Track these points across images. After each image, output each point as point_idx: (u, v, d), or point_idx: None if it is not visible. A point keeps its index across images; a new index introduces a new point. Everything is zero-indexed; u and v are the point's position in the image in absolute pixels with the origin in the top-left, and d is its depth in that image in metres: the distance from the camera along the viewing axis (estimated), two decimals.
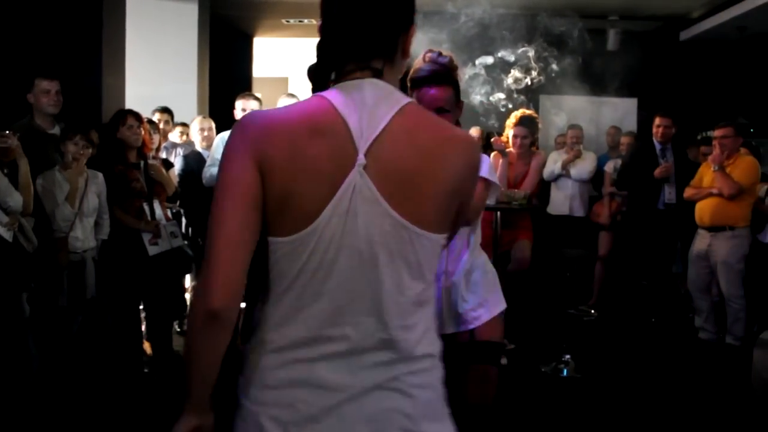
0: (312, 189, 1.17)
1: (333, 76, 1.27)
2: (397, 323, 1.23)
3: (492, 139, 5.10)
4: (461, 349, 2.34)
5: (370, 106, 1.20)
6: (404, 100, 1.24)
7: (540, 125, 5.21)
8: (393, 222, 1.19)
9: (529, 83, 4.63)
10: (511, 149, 5.08)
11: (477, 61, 4.47)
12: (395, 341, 1.23)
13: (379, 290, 1.21)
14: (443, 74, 2.34)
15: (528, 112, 5.09)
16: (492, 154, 5.24)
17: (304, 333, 1.22)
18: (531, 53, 4.57)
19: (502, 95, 4.63)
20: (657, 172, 5.63)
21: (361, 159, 1.17)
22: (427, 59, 2.39)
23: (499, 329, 2.47)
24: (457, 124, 2.45)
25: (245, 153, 1.19)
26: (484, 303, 2.46)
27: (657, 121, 5.80)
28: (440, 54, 2.39)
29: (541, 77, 4.69)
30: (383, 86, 1.24)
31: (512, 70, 4.57)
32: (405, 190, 1.19)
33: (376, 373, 1.23)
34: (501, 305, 2.50)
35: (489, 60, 4.49)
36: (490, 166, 2.50)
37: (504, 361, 4.81)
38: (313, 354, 1.22)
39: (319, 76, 1.27)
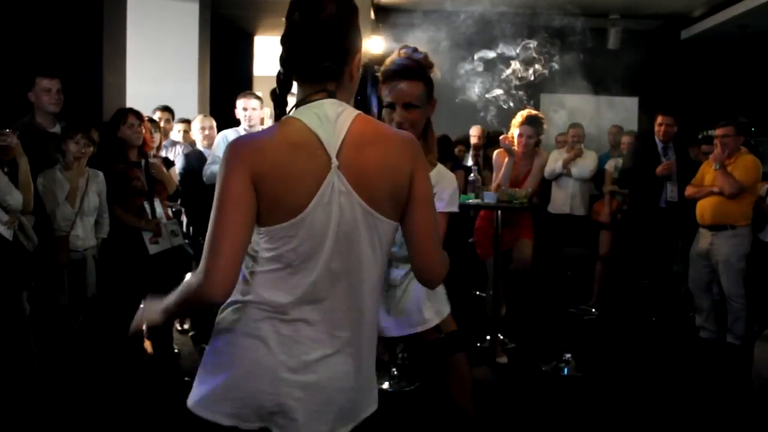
0: (299, 187, 1.46)
1: (295, 98, 1.59)
2: (365, 289, 1.54)
3: (501, 137, 5.09)
4: (436, 346, 2.35)
5: (332, 120, 1.50)
6: (355, 112, 1.55)
7: (545, 126, 5.21)
8: (362, 209, 1.50)
9: (532, 78, 4.62)
10: (515, 147, 5.09)
11: (476, 55, 4.46)
12: (362, 308, 1.55)
13: (353, 265, 1.51)
14: (415, 70, 2.32)
15: (534, 112, 5.09)
16: (496, 152, 5.25)
17: (291, 299, 1.49)
18: (531, 47, 4.56)
19: (500, 91, 4.63)
20: (659, 169, 5.63)
21: (335, 162, 1.47)
22: (401, 54, 2.38)
23: (452, 321, 2.49)
24: (429, 121, 2.42)
25: (241, 169, 1.46)
26: (438, 296, 2.48)
27: (659, 119, 5.80)
28: (415, 50, 2.38)
29: (545, 71, 4.68)
30: (339, 103, 1.54)
31: (512, 63, 4.56)
32: (365, 183, 1.50)
33: (346, 335, 1.54)
34: (447, 303, 2.53)
35: (489, 55, 4.48)
36: (451, 196, 2.45)
37: (504, 359, 4.86)
38: (297, 315, 1.50)
39: (281, 99, 1.60)
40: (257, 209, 1.47)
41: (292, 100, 1.62)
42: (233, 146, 1.49)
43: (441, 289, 2.50)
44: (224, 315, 1.56)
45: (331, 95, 1.55)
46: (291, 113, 1.55)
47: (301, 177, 1.46)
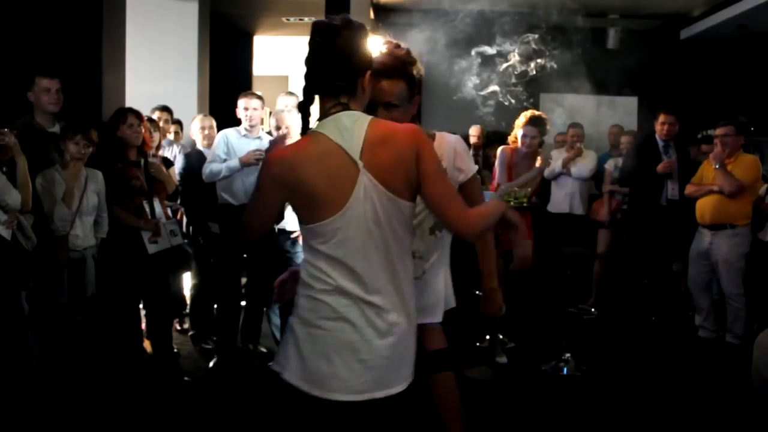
0: (334, 188, 1.82)
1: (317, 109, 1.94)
2: (402, 259, 1.89)
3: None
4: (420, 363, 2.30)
5: (350, 130, 1.84)
6: (368, 119, 1.87)
7: (549, 127, 5.23)
8: (388, 197, 1.84)
9: (534, 72, 4.61)
10: (519, 147, 5.10)
11: (475, 54, 4.45)
12: (401, 275, 1.89)
13: (390, 245, 1.86)
14: (395, 68, 2.27)
15: (537, 113, 5.11)
16: (500, 149, 5.25)
17: (362, 284, 1.84)
18: (531, 43, 4.55)
19: (500, 90, 4.63)
20: (660, 167, 5.63)
21: (361, 164, 1.81)
22: (384, 50, 2.34)
23: (442, 338, 2.43)
24: (413, 119, 2.37)
25: (271, 180, 1.89)
26: (437, 296, 2.47)
27: (661, 118, 5.80)
28: (397, 45, 2.33)
29: (545, 66, 4.67)
30: (352, 113, 1.88)
31: (511, 61, 4.55)
32: (385, 176, 1.83)
33: (399, 299, 1.88)
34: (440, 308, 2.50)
35: (488, 54, 4.47)
36: (464, 160, 2.45)
37: (504, 359, 4.85)
38: (373, 295, 1.85)
39: (305, 110, 1.96)
40: (297, 205, 1.90)
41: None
42: (268, 162, 1.95)
43: (443, 292, 2.47)
44: (309, 305, 1.88)
45: (346, 108, 1.88)
46: (315, 126, 1.90)
47: (334, 180, 1.82)
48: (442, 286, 2.45)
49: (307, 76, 1.94)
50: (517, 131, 5.10)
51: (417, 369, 2.12)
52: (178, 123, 6.10)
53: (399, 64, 2.28)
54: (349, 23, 1.92)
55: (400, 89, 2.26)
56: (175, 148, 5.64)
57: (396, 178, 1.83)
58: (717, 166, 5.18)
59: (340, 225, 1.83)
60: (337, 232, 1.83)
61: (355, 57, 1.90)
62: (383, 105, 2.25)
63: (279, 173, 1.87)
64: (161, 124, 5.52)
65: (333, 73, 1.89)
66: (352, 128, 1.84)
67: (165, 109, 5.84)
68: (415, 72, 2.33)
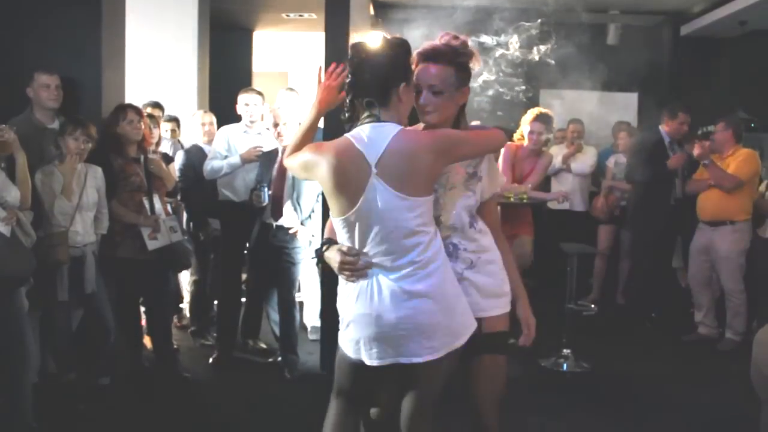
0: (353, 187, 2.14)
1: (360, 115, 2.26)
2: (413, 257, 2.15)
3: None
4: (471, 342, 2.29)
5: (373, 139, 2.14)
6: (395, 129, 2.16)
7: (555, 125, 5.22)
8: (400, 197, 2.12)
9: (535, 58, 4.60)
10: (525, 144, 5.10)
11: (474, 47, 4.45)
12: (415, 268, 2.16)
13: (397, 238, 2.14)
14: (446, 53, 2.28)
15: (544, 110, 5.11)
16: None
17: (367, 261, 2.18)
18: (530, 38, 4.55)
19: (501, 88, 4.62)
20: (672, 161, 5.55)
21: (374, 169, 2.13)
22: (440, 41, 2.34)
23: (500, 322, 2.49)
24: (462, 109, 2.38)
25: (305, 165, 2.28)
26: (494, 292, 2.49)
27: (681, 117, 5.66)
28: (455, 37, 2.33)
29: (545, 64, 4.66)
30: (380, 125, 2.18)
31: (511, 56, 4.55)
32: (398, 180, 2.13)
33: (404, 290, 2.16)
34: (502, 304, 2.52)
35: (487, 49, 4.46)
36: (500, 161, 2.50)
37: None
38: (377, 273, 2.18)
39: (350, 117, 2.27)
40: (326, 195, 2.25)
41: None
42: (311, 147, 2.26)
43: (500, 284, 2.48)
44: (340, 289, 2.28)
45: (377, 119, 2.18)
46: (350, 132, 2.20)
47: (348, 180, 2.13)
48: (498, 278, 2.46)
49: (347, 91, 2.26)
50: (524, 127, 5.10)
51: (468, 349, 2.27)
52: (175, 120, 6.06)
53: (449, 51, 2.29)
54: (385, 42, 2.21)
55: (447, 75, 2.27)
56: (167, 144, 5.61)
57: (410, 182, 2.12)
58: (705, 162, 5.18)
59: (354, 220, 2.16)
60: (353, 225, 2.17)
61: (388, 73, 2.18)
62: (429, 89, 2.27)
63: (311, 166, 2.23)
64: None
65: (366, 90, 2.19)
66: (376, 138, 2.13)
67: (156, 105, 5.81)
68: (470, 63, 2.34)
